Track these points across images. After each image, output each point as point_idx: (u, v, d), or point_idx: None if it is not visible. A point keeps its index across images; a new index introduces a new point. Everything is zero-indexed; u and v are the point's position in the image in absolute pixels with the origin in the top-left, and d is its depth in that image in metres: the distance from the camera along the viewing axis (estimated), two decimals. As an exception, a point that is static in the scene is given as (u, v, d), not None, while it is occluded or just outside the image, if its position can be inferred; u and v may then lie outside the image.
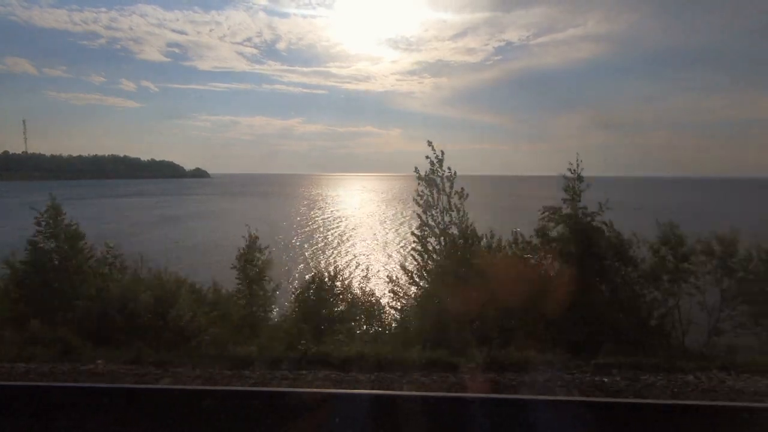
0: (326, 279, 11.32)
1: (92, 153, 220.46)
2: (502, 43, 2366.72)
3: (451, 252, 9.80)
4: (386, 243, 43.57)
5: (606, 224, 9.23)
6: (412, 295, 10.31)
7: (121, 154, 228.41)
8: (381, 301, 11.34)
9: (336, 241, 45.84)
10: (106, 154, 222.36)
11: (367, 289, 11.81)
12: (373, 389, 6.07)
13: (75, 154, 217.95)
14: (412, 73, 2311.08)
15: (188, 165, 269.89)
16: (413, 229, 10.61)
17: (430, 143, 10.40)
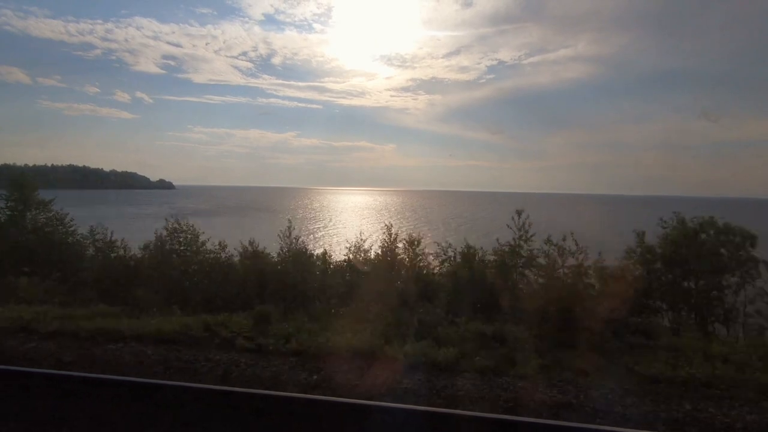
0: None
1: (50, 163, 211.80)
2: (495, 62, 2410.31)
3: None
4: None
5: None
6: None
7: (80, 164, 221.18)
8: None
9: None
10: (64, 164, 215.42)
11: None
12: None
13: (59, 164, 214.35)
14: (406, 89, 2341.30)
15: (154, 176, 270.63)
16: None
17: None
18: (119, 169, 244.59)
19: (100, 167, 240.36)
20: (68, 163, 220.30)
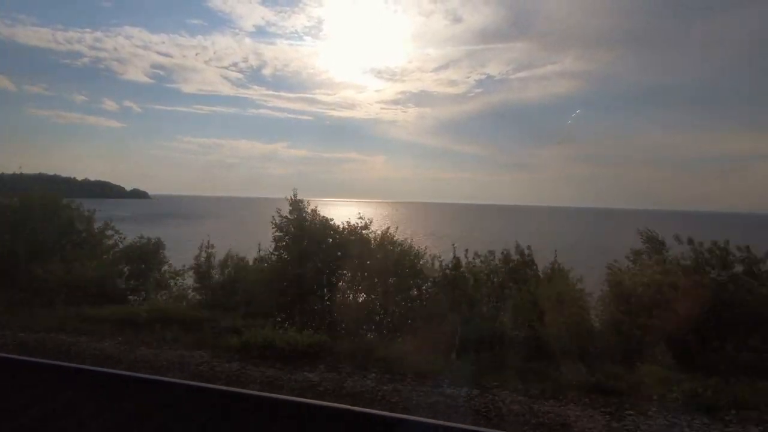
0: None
1: (18, 172, 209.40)
2: (483, 77, 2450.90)
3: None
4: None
5: None
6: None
7: (51, 173, 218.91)
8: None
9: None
10: (33, 173, 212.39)
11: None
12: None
13: (30, 172, 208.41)
14: (396, 102, 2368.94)
15: (129, 185, 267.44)
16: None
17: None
18: (93, 178, 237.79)
19: (74, 176, 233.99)
20: (38, 172, 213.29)
